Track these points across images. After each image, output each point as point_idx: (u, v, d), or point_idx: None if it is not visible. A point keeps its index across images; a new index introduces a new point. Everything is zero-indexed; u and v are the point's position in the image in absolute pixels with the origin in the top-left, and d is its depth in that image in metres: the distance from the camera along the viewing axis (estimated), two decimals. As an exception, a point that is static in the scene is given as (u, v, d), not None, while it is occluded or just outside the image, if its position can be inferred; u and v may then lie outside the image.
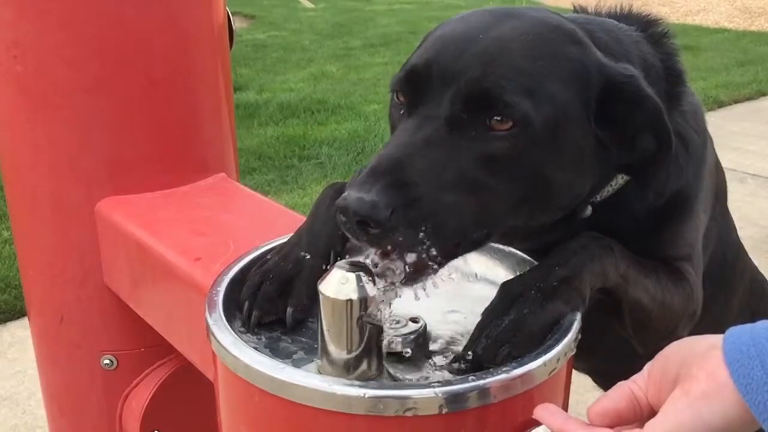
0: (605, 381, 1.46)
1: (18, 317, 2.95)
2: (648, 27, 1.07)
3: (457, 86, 0.85)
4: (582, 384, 1.43)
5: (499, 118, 0.84)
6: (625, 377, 0.79)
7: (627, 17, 1.09)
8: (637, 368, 0.79)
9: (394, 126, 0.92)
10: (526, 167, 0.86)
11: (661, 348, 0.77)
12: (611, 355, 1.17)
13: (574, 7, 1.16)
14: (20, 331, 2.88)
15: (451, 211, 0.82)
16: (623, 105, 0.90)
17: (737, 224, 1.39)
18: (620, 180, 1.01)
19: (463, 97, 0.84)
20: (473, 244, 0.88)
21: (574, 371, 0.95)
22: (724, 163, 1.28)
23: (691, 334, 1.05)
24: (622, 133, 0.92)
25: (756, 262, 1.49)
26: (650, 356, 0.79)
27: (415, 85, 0.89)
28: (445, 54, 0.87)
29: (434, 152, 0.83)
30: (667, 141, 0.92)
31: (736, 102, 6.10)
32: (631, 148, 0.94)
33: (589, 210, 1.01)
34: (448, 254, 0.84)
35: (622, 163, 0.97)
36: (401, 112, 0.90)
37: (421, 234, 0.79)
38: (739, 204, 3.92)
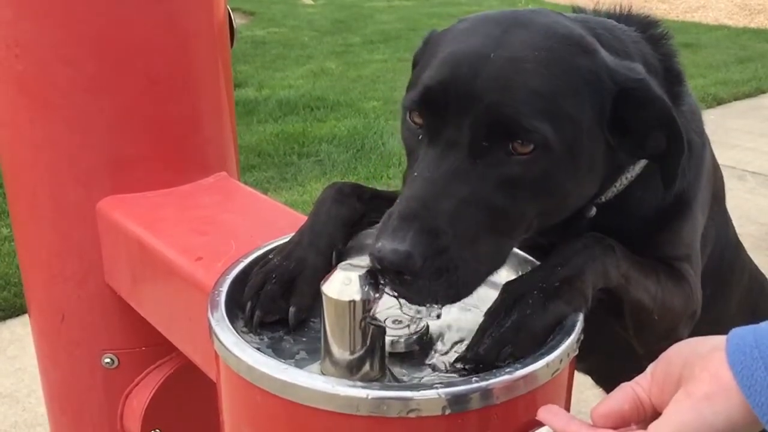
0: (605, 380, 1.46)
1: (18, 315, 2.95)
2: (647, 28, 1.07)
3: (476, 112, 0.85)
4: (582, 382, 1.42)
5: (520, 142, 0.85)
6: (626, 376, 0.79)
7: (626, 18, 1.09)
8: (638, 367, 0.80)
9: (410, 149, 0.92)
10: (545, 186, 0.88)
11: (662, 348, 0.77)
12: (611, 355, 1.18)
13: (573, 9, 1.16)
14: (20, 328, 2.88)
15: (477, 254, 0.84)
16: (634, 107, 0.91)
17: (736, 222, 1.39)
18: (624, 181, 1.02)
19: (483, 124, 0.85)
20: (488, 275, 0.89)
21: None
22: (723, 161, 1.28)
23: (690, 333, 1.05)
24: (632, 135, 0.93)
25: (755, 260, 1.49)
26: (650, 356, 0.79)
27: (431, 108, 0.88)
28: (459, 75, 0.87)
29: (460, 188, 0.83)
30: (679, 139, 0.92)
31: (735, 99, 6.10)
32: (642, 147, 0.95)
33: (593, 210, 1.01)
34: (462, 293, 0.85)
35: (630, 162, 0.98)
36: (419, 137, 0.90)
37: (446, 280, 0.81)
38: (739, 201, 3.93)
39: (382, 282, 0.80)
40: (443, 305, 0.84)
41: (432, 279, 0.79)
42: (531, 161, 0.85)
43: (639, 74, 0.92)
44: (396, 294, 0.82)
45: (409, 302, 0.83)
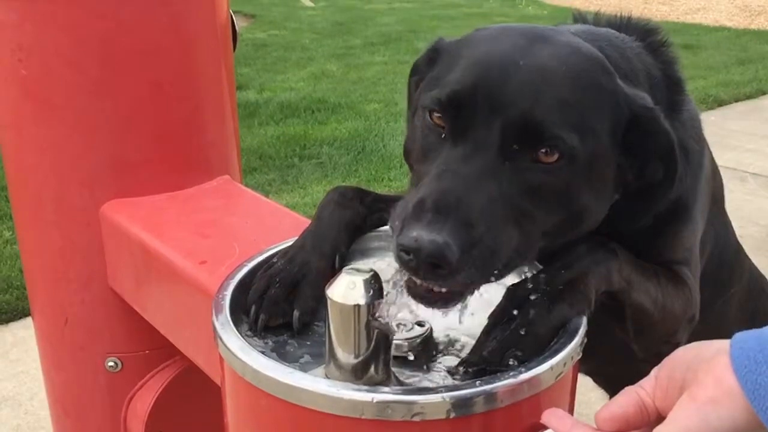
0: (606, 382, 1.46)
1: (20, 318, 2.95)
2: (647, 36, 1.08)
3: (507, 116, 0.85)
4: (585, 383, 1.43)
5: (545, 151, 0.85)
6: (626, 378, 0.80)
7: (627, 27, 1.10)
8: (638, 369, 0.80)
9: (428, 147, 0.91)
10: (563, 197, 0.88)
11: (661, 352, 0.77)
12: (612, 357, 1.18)
13: (574, 15, 1.16)
14: (22, 331, 2.87)
15: (504, 250, 0.84)
16: (640, 134, 0.92)
17: (737, 224, 1.39)
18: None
19: (515, 127, 0.85)
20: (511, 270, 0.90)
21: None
22: (723, 163, 1.29)
23: (690, 334, 1.06)
24: (635, 160, 0.94)
25: (756, 261, 1.49)
26: (650, 359, 0.79)
27: (458, 109, 0.88)
28: (489, 79, 0.87)
29: (489, 187, 0.84)
30: (673, 172, 0.94)
31: (736, 101, 6.10)
32: (641, 175, 0.96)
33: None
34: (488, 281, 0.86)
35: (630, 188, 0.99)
36: (441, 135, 0.89)
37: (478, 271, 0.81)
38: (739, 203, 3.93)
39: (407, 273, 0.80)
40: (471, 293, 0.85)
41: (468, 269, 0.79)
42: (555, 170, 0.86)
43: (649, 102, 0.94)
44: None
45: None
